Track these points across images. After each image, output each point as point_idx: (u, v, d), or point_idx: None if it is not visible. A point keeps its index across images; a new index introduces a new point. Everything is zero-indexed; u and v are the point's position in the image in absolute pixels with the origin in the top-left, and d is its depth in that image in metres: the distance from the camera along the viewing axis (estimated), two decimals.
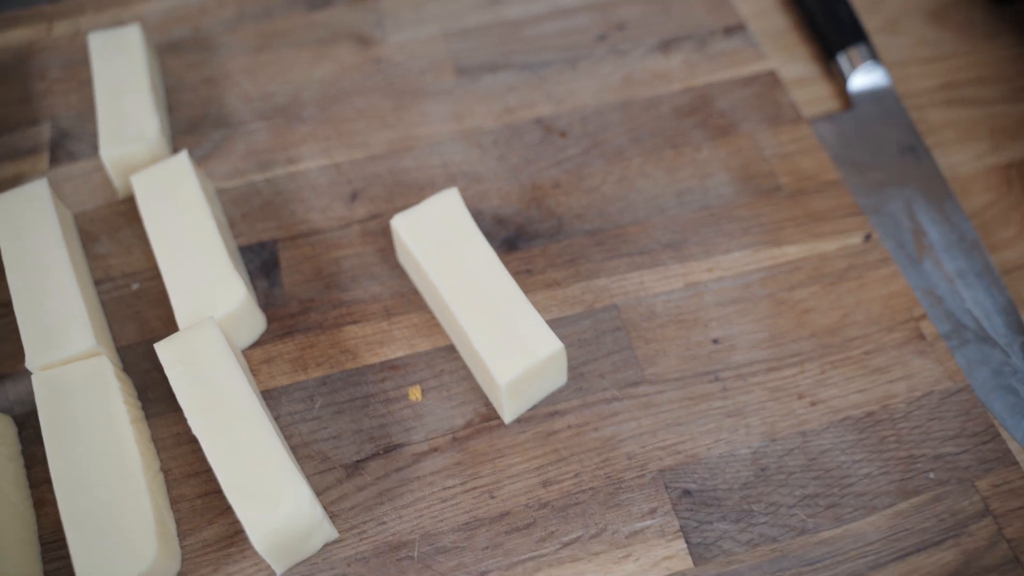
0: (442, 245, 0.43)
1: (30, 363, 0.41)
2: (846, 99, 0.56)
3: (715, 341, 0.44)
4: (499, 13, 0.58)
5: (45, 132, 0.53)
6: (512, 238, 0.48)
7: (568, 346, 0.44)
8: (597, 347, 0.44)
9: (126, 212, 0.50)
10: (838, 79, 0.56)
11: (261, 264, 0.47)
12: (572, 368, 0.43)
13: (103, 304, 0.46)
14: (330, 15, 0.58)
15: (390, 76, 0.55)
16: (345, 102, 0.54)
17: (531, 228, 0.48)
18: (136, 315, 0.46)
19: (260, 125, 0.53)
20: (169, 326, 0.45)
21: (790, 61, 0.58)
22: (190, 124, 0.53)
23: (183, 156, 0.47)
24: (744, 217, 0.49)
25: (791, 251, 0.47)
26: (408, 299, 0.46)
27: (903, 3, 0.61)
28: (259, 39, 0.57)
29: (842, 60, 0.56)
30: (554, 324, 0.44)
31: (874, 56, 0.56)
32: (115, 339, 0.45)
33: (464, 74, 0.55)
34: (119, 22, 0.59)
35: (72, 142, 0.53)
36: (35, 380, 0.40)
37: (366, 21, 0.58)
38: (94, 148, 0.52)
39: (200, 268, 0.43)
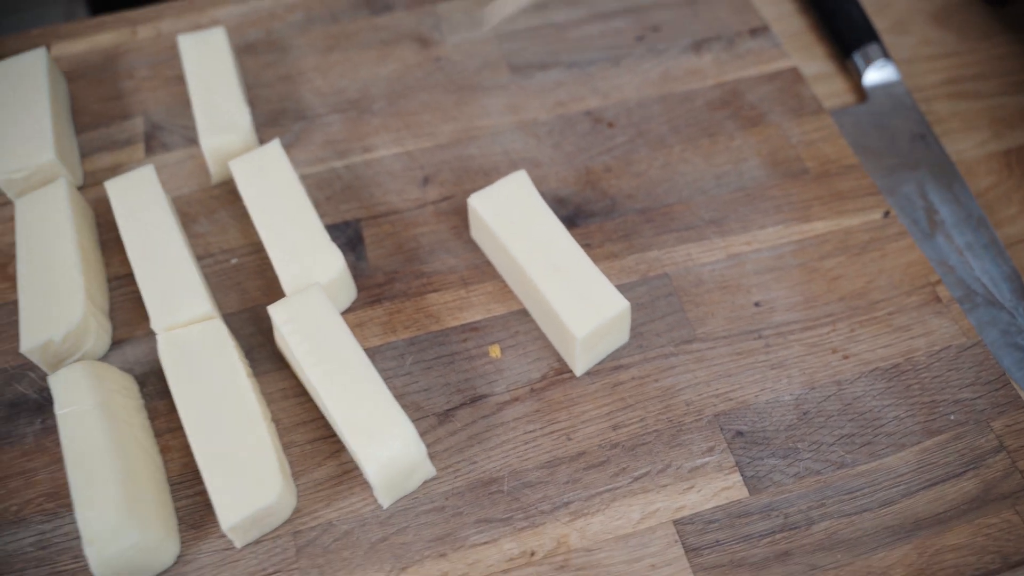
0: (515, 219, 0.48)
1: (155, 324, 0.46)
2: (861, 93, 0.62)
3: (756, 304, 0.50)
4: (546, 17, 0.64)
5: (138, 125, 0.59)
6: (571, 216, 0.53)
7: None
8: (653, 310, 0.49)
9: (220, 196, 0.55)
10: (853, 75, 0.62)
11: (347, 240, 0.52)
12: (632, 328, 0.49)
13: (205, 277, 0.51)
14: (391, 19, 0.64)
15: (450, 73, 0.61)
16: (411, 97, 0.59)
17: (587, 207, 0.54)
18: (236, 286, 0.51)
19: (335, 118, 0.58)
20: (268, 295, 0.50)
21: (809, 59, 0.64)
22: (271, 117, 0.59)
23: (276, 144, 0.52)
24: (776, 197, 0.54)
25: (819, 226, 0.53)
26: (482, 270, 0.51)
27: (908, 6, 0.68)
28: (327, 40, 0.63)
29: (857, 58, 0.62)
30: None
31: (885, 54, 0.62)
32: (219, 307, 0.50)
33: (517, 71, 0.61)
34: (197, 26, 0.64)
35: (164, 134, 0.58)
36: (160, 340, 0.46)
37: (424, 24, 0.64)
38: (185, 139, 0.58)
39: (300, 241, 0.48)
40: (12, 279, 0.52)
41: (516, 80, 0.60)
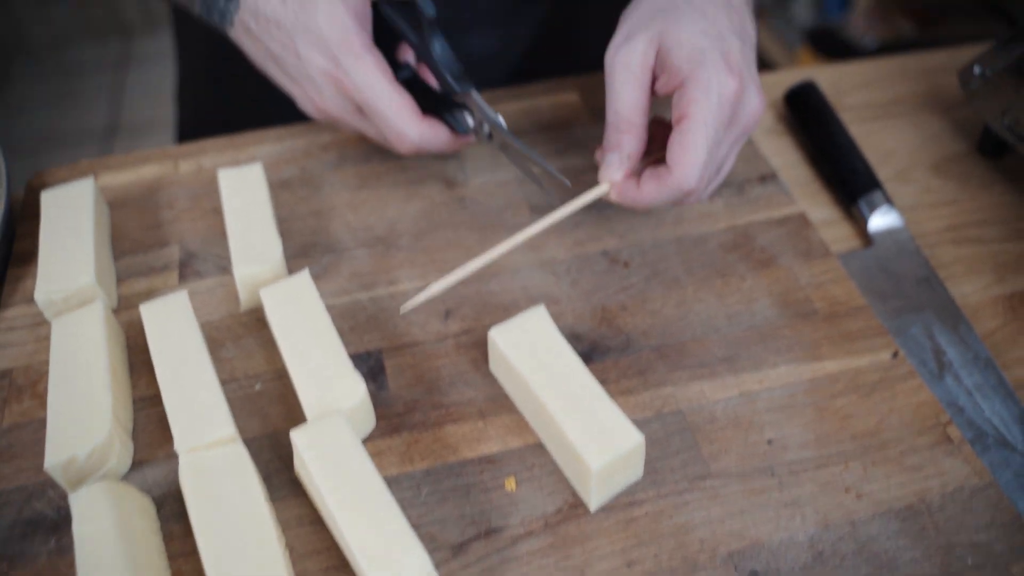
0: (534, 353, 0.50)
1: (179, 445, 0.47)
2: (867, 238, 0.64)
3: (769, 442, 0.50)
4: (564, 160, 0.67)
5: (174, 253, 0.61)
6: (587, 352, 0.55)
7: None
8: (667, 446, 0.50)
9: (248, 323, 0.57)
10: (859, 221, 0.65)
11: (368, 370, 0.54)
12: (646, 464, 0.49)
13: (228, 401, 0.53)
14: (419, 161, 0.68)
15: (473, 212, 0.64)
16: (436, 234, 0.62)
17: (603, 344, 0.55)
18: (259, 411, 0.52)
19: (362, 252, 0.61)
20: (288, 421, 0.51)
21: (815, 206, 0.67)
22: (301, 249, 0.61)
23: (305, 274, 0.55)
24: (787, 336, 0.56)
25: (829, 365, 0.54)
26: (499, 403, 0.52)
27: (909, 158, 0.71)
28: (358, 179, 0.67)
29: (862, 205, 0.65)
30: None
31: (889, 201, 0.65)
32: (240, 431, 0.51)
33: (537, 212, 0.64)
34: (236, 162, 0.68)
35: (198, 262, 0.61)
36: (181, 462, 0.47)
37: (450, 167, 0.67)
38: (218, 267, 0.60)
39: (324, 368, 0.50)
40: (41, 397, 0.53)
41: (536, 220, 0.63)
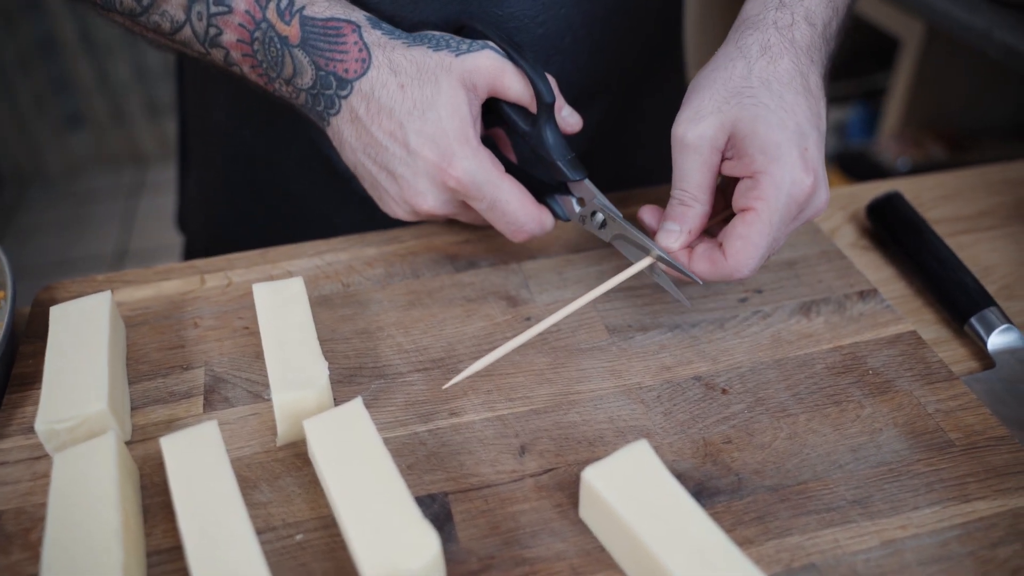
0: (640, 497, 0.41)
1: None
2: (986, 359, 0.57)
3: None
4: (641, 277, 0.60)
5: (199, 377, 0.53)
6: (694, 494, 0.46)
7: None
8: None
9: (285, 459, 0.48)
10: (975, 340, 0.57)
11: (433, 517, 0.45)
12: None
13: (265, 555, 0.43)
14: (476, 275, 0.61)
15: (543, 333, 0.56)
16: (501, 358, 0.54)
17: (711, 484, 0.47)
18: (300, 567, 0.43)
19: (417, 376, 0.53)
20: None
21: (919, 324, 0.60)
22: (347, 374, 0.53)
23: (358, 402, 0.47)
24: (924, 473, 0.47)
25: (981, 507, 0.45)
26: (595, 557, 0.43)
27: (1014, 272, 0.64)
28: (409, 296, 0.59)
29: (975, 324, 0.58)
30: None
31: (1007, 318, 0.57)
32: None
33: (616, 332, 0.56)
34: (269, 277, 0.61)
35: (227, 387, 0.52)
36: None
37: (511, 282, 0.60)
38: (250, 394, 0.52)
39: (384, 516, 0.41)
40: (34, 548, 0.44)
41: (615, 342, 0.55)
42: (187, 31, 0.54)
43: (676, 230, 0.52)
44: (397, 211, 0.55)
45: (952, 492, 0.46)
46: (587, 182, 0.55)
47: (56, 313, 0.54)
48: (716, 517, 0.45)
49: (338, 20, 0.52)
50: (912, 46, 1.54)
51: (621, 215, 0.54)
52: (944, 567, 0.43)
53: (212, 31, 0.53)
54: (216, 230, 0.81)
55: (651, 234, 0.54)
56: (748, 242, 0.49)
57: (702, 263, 0.51)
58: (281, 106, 0.57)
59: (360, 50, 0.52)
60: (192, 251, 0.88)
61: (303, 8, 0.52)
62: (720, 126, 0.50)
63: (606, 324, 0.57)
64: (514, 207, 0.53)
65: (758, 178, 0.49)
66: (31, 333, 0.57)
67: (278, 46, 0.52)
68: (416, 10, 0.59)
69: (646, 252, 0.53)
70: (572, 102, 0.56)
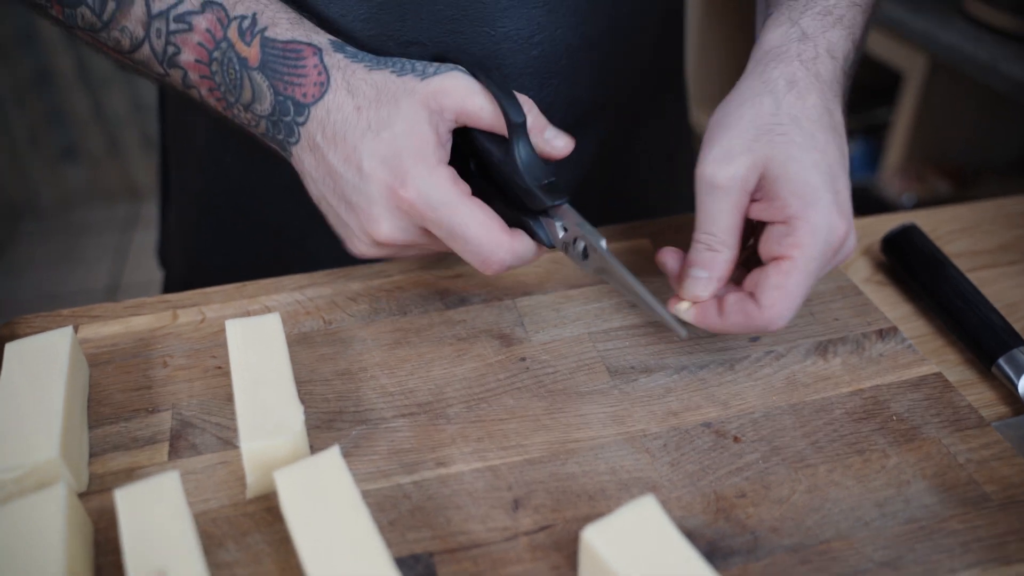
0: (646, 559, 0.37)
1: None
2: (1016, 403, 0.53)
3: None
4: (645, 314, 0.56)
5: (166, 421, 0.49)
6: (706, 554, 0.41)
7: None
8: None
9: (255, 513, 0.44)
10: (1004, 383, 0.53)
11: None
12: None
13: None
14: (467, 312, 0.57)
15: (538, 375, 0.52)
16: (493, 401, 0.50)
17: (724, 544, 0.42)
18: None
19: (402, 423, 0.49)
20: None
21: (941, 365, 0.56)
22: (325, 419, 0.49)
23: (335, 451, 0.42)
24: (959, 531, 0.43)
25: None
26: None
27: None
28: (395, 334, 0.55)
29: (1004, 365, 0.54)
30: None
31: None
32: None
33: (617, 375, 0.52)
34: (246, 313, 0.57)
35: (195, 433, 0.48)
36: None
37: (505, 320, 0.56)
38: (219, 440, 0.48)
39: None
40: None
41: (617, 385, 0.51)
42: (146, 49, 0.50)
43: (705, 277, 0.48)
44: (360, 247, 0.51)
45: (992, 553, 0.42)
46: (567, 207, 0.49)
47: (11, 350, 0.49)
48: None
49: (299, 43, 0.49)
50: (915, 80, 1.51)
51: (605, 245, 0.48)
52: None
53: (171, 49, 0.50)
54: (194, 263, 0.77)
55: (673, 279, 0.50)
56: (785, 292, 0.46)
57: (736, 318, 0.48)
58: None
59: (319, 73, 0.49)
60: (170, 286, 0.84)
61: (265, 29, 0.49)
62: (752, 166, 0.47)
63: (607, 365, 0.53)
64: (474, 232, 0.47)
65: (794, 224, 0.46)
66: None
67: (237, 68, 0.49)
68: (404, 29, 0.56)
69: (629, 291, 0.48)
70: (568, 128, 0.52)
